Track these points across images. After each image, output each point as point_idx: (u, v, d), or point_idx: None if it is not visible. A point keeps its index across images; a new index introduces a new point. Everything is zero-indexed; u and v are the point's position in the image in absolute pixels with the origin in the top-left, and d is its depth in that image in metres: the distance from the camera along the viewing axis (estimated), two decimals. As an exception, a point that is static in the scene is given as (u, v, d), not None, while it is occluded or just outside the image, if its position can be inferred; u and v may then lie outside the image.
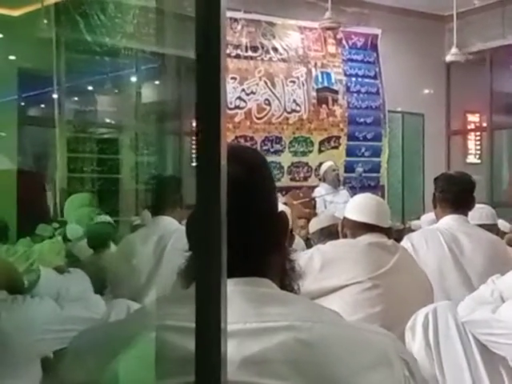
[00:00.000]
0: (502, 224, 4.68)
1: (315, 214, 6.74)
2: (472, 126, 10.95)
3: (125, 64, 7.28)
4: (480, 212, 3.85)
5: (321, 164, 8.18)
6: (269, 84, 8.34)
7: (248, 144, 7.50)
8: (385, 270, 2.75)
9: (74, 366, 1.02)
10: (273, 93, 8.37)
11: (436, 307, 2.55)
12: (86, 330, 1.17)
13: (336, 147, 8.92)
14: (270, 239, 1.08)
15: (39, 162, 7.84)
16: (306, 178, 8.63)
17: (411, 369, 1.00)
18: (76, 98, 7.89)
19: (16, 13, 6.64)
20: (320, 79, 8.82)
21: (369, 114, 9.23)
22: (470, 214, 3.41)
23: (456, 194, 3.33)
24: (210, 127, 0.65)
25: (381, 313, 2.66)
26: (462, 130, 10.88)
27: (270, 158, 7.86)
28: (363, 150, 9.18)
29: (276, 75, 8.42)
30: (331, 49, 9.00)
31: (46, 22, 6.65)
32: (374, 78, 9.34)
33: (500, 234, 4.13)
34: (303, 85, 8.65)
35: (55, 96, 7.00)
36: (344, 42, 9.14)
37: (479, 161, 10.75)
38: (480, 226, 3.53)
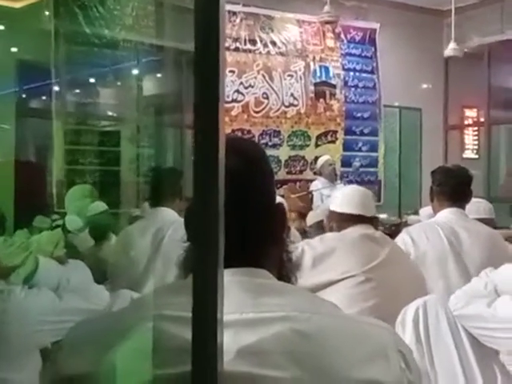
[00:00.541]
0: None
1: (311, 208, 6.75)
2: (470, 121, 10.95)
3: (125, 56, 7.27)
4: (477, 206, 3.85)
5: (317, 158, 8.19)
6: (267, 77, 8.34)
7: (245, 137, 7.50)
8: (377, 263, 2.75)
9: (71, 357, 1.02)
10: (271, 86, 8.37)
11: (426, 301, 2.55)
12: (82, 320, 1.17)
13: (333, 141, 8.93)
14: (268, 230, 1.09)
15: (40, 154, 7.85)
16: (301, 172, 8.64)
17: (408, 361, 1.01)
18: (77, 91, 7.88)
19: (18, 4, 6.62)
20: (318, 73, 8.82)
21: (366, 108, 9.24)
22: (468, 207, 3.40)
23: (453, 187, 3.32)
24: (209, 119, 0.65)
25: (374, 306, 2.65)
26: (460, 125, 10.88)
27: (268, 152, 7.80)
28: (360, 144, 9.19)
29: (274, 69, 8.42)
30: (329, 43, 8.99)
31: (47, 13, 6.63)
32: (372, 72, 9.34)
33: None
34: (301, 79, 8.65)
35: (56, 88, 6.99)
36: (342, 36, 9.13)
37: (476, 156, 10.76)
38: (477, 219, 3.52)
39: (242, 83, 8.11)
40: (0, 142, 6.28)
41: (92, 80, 7.99)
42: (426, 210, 5.13)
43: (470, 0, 9.48)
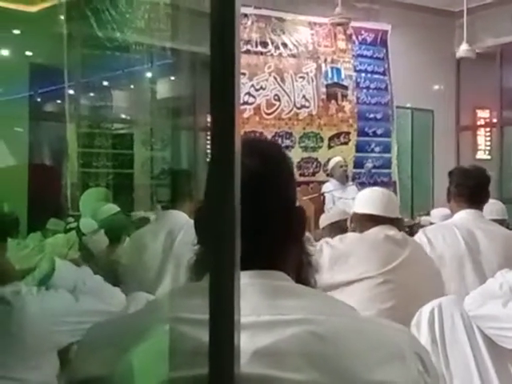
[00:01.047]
0: None
1: (323, 211, 6.74)
2: (482, 122, 10.92)
3: (139, 60, 7.30)
4: (491, 207, 3.81)
5: (330, 160, 8.18)
6: (278, 80, 8.34)
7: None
8: (395, 265, 2.73)
9: (88, 358, 1.03)
10: (282, 88, 8.37)
11: (441, 302, 2.54)
12: (99, 322, 1.18)
13: (346, 143, 8.91)
14: (288, 232, 1.08)
15: (54, 157, 7.89)
16: (314, 174, 8.62)
17: (425, 363, 1.00)
18: (91, 94, 7.92)
19: (34, 9, 6.66)
20: (330, 75, 8.81)
21: (378, 109, 9.21)
22: (482, 208, 3.38)
23: (472, 189, 3.27)
24: (225, 122, 0.66)
25: (392, 308, 2.65)
26: (472, 126, 10.84)
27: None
28: (373, 145, 9.16)
29: (285, 71, 8.41)
30: (341, 44, 8.98)
31: (62, 17, 6.66)
32: (383, 74, 9.32)
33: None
34: (312, 80, 8.64)
35: (70, 91, 7.03)
36: (354, 37, 9.11)
37: (489, 157, 10.72)
38: (490, 220, 3.50)
39: (253, 85, 8.11)
40: (14, 145, 6.32)
41: (106, 83, 8.04)
42: (439, 211, 5.13)
43: (482, 1, 9.45)
